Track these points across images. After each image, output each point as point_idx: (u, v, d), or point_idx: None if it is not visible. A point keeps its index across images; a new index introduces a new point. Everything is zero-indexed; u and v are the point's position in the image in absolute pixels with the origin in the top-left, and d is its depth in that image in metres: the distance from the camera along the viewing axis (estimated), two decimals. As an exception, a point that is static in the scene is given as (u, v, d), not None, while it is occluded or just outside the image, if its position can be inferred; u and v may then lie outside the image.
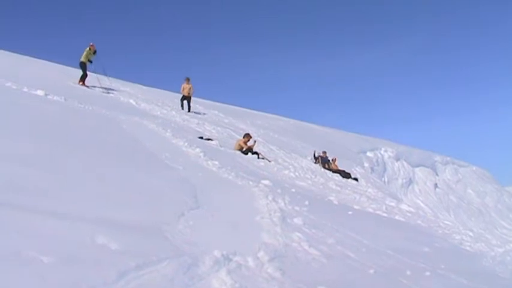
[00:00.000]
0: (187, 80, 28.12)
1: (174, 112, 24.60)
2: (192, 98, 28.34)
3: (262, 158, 18.79)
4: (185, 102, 27.75)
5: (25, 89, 15.59)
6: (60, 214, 4.53)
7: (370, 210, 12.96)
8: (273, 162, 18.51)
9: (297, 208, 8.79)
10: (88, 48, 25.53)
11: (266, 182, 11.16)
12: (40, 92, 15.60)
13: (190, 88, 28.00)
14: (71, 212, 4.69)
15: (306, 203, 9.72)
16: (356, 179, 24.47)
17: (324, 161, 25.43)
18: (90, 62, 25.37)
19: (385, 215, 12.72)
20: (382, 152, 41.58)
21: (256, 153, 19.14)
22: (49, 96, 15.50)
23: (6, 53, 32.31)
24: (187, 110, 27.40)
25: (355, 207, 12.54)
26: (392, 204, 16.65)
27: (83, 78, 24.72)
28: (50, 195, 5.12)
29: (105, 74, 27.07)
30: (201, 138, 17.63)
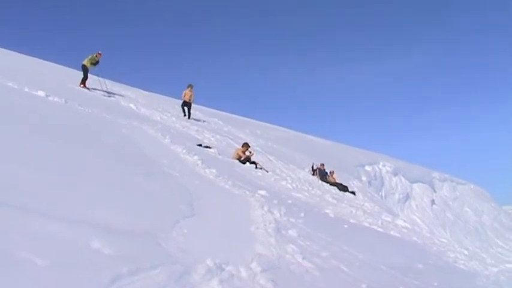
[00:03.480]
0: (190, 86, 28.11)
1: (174, 118, 24.59)
2: (193, 105, 28.30)
3: (260, 168, 18.80)
4: (186, 108, 27.71)
5: (26, 89, 15.60)
6: (56, 216, 4.53)
7: (366, 224, 12.96)
8: (270, 173, 18.51)
9: (292, 220, 8.80)
10: (94, 55, 25.56)
11: (263, 192, 11.16)
12: (41, 93, 15.60)
13: (191, 95, 27.99)
14: (67, 215, 4.69)
15: (302, 215, 9.72)
16: (353, 193, 24.46)
17: (321, 173, 25.40)
18: (93, 65, 25.40)
19: (380, 229, 12.73)
20: (380, 166, 41.51)
21: (254, 163, 19.14)
22: (50, 97, 15.50)
23: (9, 51, 32.37)
24: (187, 116, 27.38)
25: (351, 221, 12.55)
26: (388, 219, 16.65)
27: (84, 81, 24.74)
28: (47, 197, 5.12)
29: (104, 77, 27.02)
30: (200, 145, 17.61)
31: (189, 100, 27.83)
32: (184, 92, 28.17)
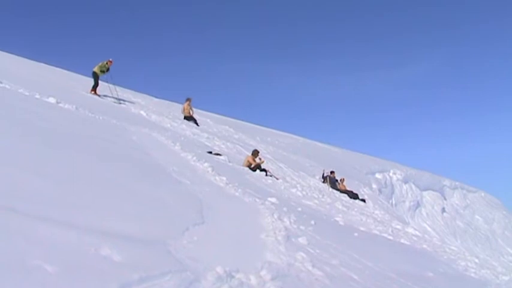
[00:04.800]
0: (188, 100, 28.16)
1: (184, 125, 24.61)
2: (201, 112, 28.34)
3: (270, 176, 18.80)
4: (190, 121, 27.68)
5: (37, 96, 15.66)
6: (66, 223, 4.54)
7: (376, 232, 12.93)
8: (280, 180, 18.52)
9: (302, 227, 8.78)
10: (105, 62, 25.66)
11: (273, 199, 11.16)
12: (52, 100, 15.66)
13: (189, 109, 28.05)
14: (77, 222, 4.70)
15: (312, 222, 9.71)
16: (363, 200, 24.41)
17: (332, 180, 25.35)
18: (103, 72, 25.48)
19: (390, 237, 12.69)
20: (390, 174, 41.39)
21: (264, 170, 19.15)
22: (60, 104, 15.56)
23: (20, 58, 32.56)
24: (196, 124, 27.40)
25: (361, 228, 12.52)
26: (399, 227, 16.62)
27: (94, 88, 24.84)
28: (57, 203, 5.14)
29: (114, 84, 27.05)
30: (210, 152, 17.63)
31: (189, 114, 27.88)
32: (183, 106, 28.30)
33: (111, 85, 26.34)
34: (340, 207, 16.87)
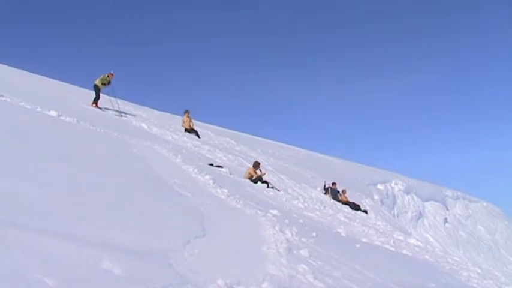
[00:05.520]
0: (187, 113, 28.19)
1: (185, 138, 24.61)
2: (202, 124, 28.38)
3: (272, 188, 18.78)
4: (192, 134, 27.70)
5: (38, 109, 15.69)
6: (67, 236, 4.54)
7: (378, 243, 12.90)
8: (282, 192, 18.50)
9: (303, 239, 8.76)
10: (106, 75, 25.68)
11: (274, 211, 11.15)
12: (53, 113, 15.69)
13: (189, 121, 28.11)
14: (77, 234, 4.70)
15: (314, 234, 9.69)
16: (365, 211, 24.37)
17: (333, 192, 25.33)
18: (104, 85, 25.51)
19: (392, 248, 12.66)
20: (392, 184, 41.36)
21: (266, 182, 19.13)
22: (61, 117, 15.58)
23: (21, 71, 32.63)
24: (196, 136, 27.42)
25: (363, 240, 12.49)
26: (401, 238, 16.57)
27: (95, 100, 24.86)
28: (58, 216, 5.14)
29: (116, 97, 27.07)
30: (211, 165, 17.63)
31: (189, 127, 27.92)
32: (182, 119, 28.34)
33: (112, 98, 26.37)
34: (342, 218, 16.84)
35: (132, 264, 4.40)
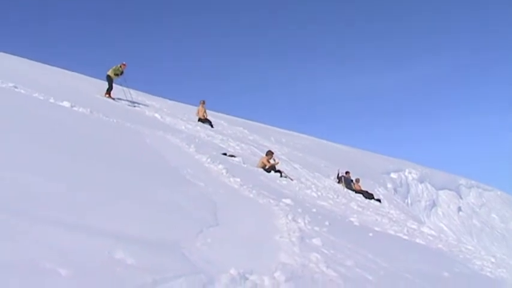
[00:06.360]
0: (202, 103, 28.33)
1: (198, 127, 24.65)
2: (216, 114, 28.43)
3: (285, 177, 18.78)
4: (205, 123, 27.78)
5: (51, 100, 15.76)
6: (79, 226, 4.56)
7: (391, 232, 12.88)
8: (295, 181, 18.49)
9: (316, 228, 8.76)
10: (119, 66, 25.73)
11: (287, 201, 11.15)
12: (66, 104, 15.76)
13: (204, 111, 28.20)
14: (90, 225, 4.72)
15: (326, 223, 9.68)
16: (379, 200, 24.34)
17: (347, 181, 25.31)
18: (117, 76, 25.56)
19: (406, 237, 12.64)
20: (406, 173, 41.30)
21: (279, 171, 19.12)
22: (75, 108, 15.64)
23: (34, 62, 32.74)
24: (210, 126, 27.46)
25: (376, 229, 12.48)
26: (414, 226, 16.55)
27: (109, 91, 24.94)
28: (70, 207, 5.16)
29: (128, 87, 27.14)
30: (225, 154, 17.63)
31: (203, 117, 27.98)
32: (197, 109, 28.43)
33: (125, 88, 26.47)
34: (355, 207, 16.83)
35: (145, 253, 4.41)
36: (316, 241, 7.49)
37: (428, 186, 42.63)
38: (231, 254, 5.48)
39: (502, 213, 48.00)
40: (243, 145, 24.08)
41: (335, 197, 17.89)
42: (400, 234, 12.83)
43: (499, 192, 53.60)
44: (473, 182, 50.80)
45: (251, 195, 10.62)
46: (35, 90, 16.50)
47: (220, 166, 12.86)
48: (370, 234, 10.92)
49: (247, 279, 4.62)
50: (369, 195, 24.00)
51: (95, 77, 33.17)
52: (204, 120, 27.72)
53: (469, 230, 40.08)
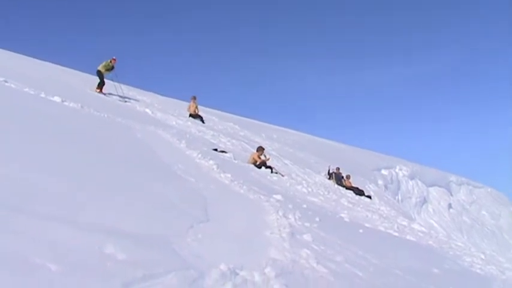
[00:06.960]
0: (193, 98, 28.40)
1: (189, 123, 24.66)
2: (207, 110, 28.47)
3: (276, 173, 18.79)
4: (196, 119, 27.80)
5: (42, 95, 15.68)
6: (70, 221, 4.55)
7: (382, 228, 12.92)
8: (286, 177, 18.52)
9: (307, 224, 8.77)
10: (109, 61, 25.70)
11: (278, 196, 11.15)
12: (57, 98, 15.70)
13: (195, 107, 28.24)
14: (81, 220, 4.71)
15: (317, 219, 9.70)
16: (369, 197, 24.42)
17: (337, 177, 25.39)
18: (108, 71, 25.53)
19: (396, 234, 12.68)
20: (396, 170, 41.44)
21: (270, 167, 19.14)
22: (65, 103, 15.59)
23: (25, 57, 32.64)
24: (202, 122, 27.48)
25: (367, 225, 12.51)
26: (405, 223, 16.61)
27: (100, 86, 24.90)
28: (60, 202, 5.14)
29: (119, 82, 27.11)
30: (216, 150, 17.63)
31: (194, 112, 28.04)
32: (189, 105, 28.50)
33: (116, 83, 26.43)
34: (345, 203, 16.88)
35: (136, 249, 4.41)
36: (307, 237, 7.51)
37: (419, 183, 42.80)
38: (221, 249, 5.49)
39: (492, 210, 48.28)
40: (234, 141, 24.09)
41: (325, 193, 17.93)
42: (391, 231, 12.87)
43: (489, 189, 53.88)
44: (463, 179, 51.05)
45: (242, 191, 10.63)
46: (25, 85, 16.42)
47: (211, 162, 12.85)
48: (361, 231, 10.94)
49: (237, 274, 4.62)
50: (359, 192, 24.07)
51: (85, 72, 33.12)
52: (195, 116, 27.74)
53: (459, 226, 40.29)
